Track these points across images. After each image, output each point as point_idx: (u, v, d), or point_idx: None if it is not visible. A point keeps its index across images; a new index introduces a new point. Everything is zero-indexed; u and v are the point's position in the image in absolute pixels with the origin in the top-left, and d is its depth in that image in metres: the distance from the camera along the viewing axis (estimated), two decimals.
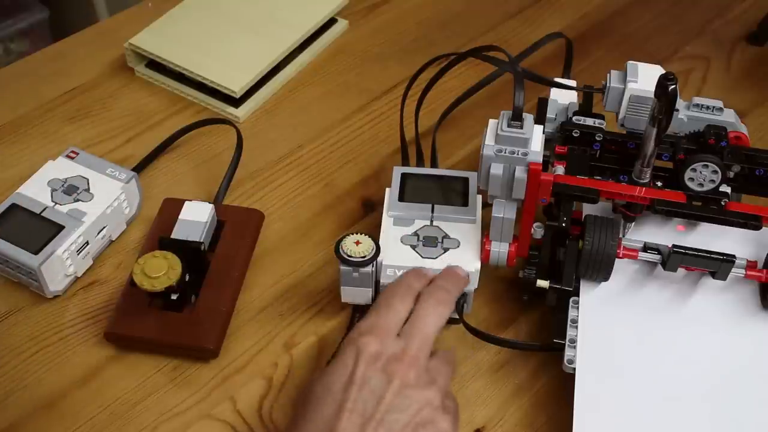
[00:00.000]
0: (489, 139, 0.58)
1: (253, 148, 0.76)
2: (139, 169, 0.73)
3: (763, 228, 0.59)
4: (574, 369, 0.58)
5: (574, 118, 0.63)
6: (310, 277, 0.67)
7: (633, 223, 0.63)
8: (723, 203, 0.59)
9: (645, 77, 0.60)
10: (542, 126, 0.59)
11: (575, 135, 0.62)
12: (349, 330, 0.63)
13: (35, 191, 0.66)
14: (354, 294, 0.61)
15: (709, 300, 0.62)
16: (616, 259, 0.59)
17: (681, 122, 0.62)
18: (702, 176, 0.59)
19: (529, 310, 0.65)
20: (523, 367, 0.62)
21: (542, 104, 0.66)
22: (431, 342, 0.53)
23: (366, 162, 0.76)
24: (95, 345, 0.62)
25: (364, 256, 0.58)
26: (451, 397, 0.53)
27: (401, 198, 0.65)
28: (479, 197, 0.65)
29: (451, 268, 0.59)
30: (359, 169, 0.75)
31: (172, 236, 0.63)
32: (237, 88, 0.78)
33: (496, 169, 0.58)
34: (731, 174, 0.60)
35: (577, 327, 0.59)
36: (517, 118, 0.57)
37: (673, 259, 0.59)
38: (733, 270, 0.60)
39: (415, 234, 0.63)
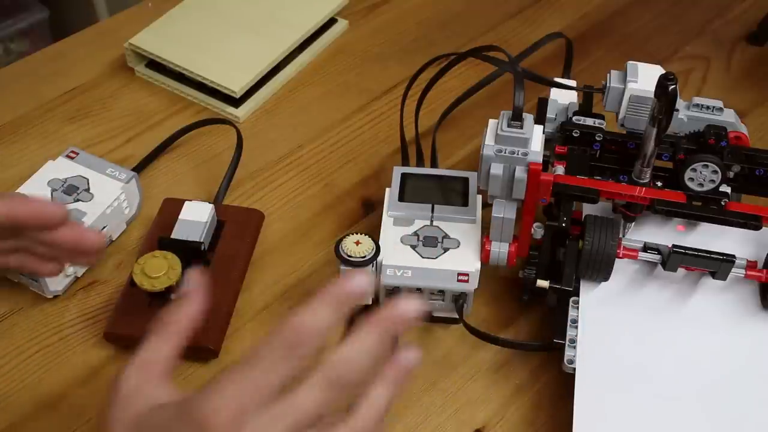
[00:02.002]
0: (489, 139, 0.58)
1: (253, 148, 0.76)
2: (139, 169, 0.73)
3: (763, 228, 0.59)
4: (574, 369, 0.58)
5: (574, 118, 0.63)
6: (310, 277, 0.67)
7: (633, 223, 0.63)
8: (723, 203, 0.59)
9: (645, 77, 0.60)
10: (542, 126, 0.59)
11: (575, 135, 0.62)
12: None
13: (35, 191, 0.66)
14: None
15: (709, 300, 0.62)
16: (616, 259, 0.59)
17: (681, 122, 0.62)
18: (702, 176, 0.59)
19: (529, 310, 0.65)
20: (523, 367, 0.62)
21: (542, 104, 0.66)
22: None
23: (366, 162, 0.76)
24: (95, 345, 0.62)
25: (364, 256, 0.58)
26: None
27: (401, 198, 0.65)
28: (479, 197, 0.65)
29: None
30: (359, 169, 0.75)
31: (172, 236, 0.63)
32: (237, 88, 0.78)
33: (496, 169, 0.58)
34: (731, 174, 0.60)
35: (577, 327, 0.59)
36: (517, 118, 0.57)
37: (673, 259, 0.59)
38: (733, 270, 0.60)
39: (415, 234, 0.63)
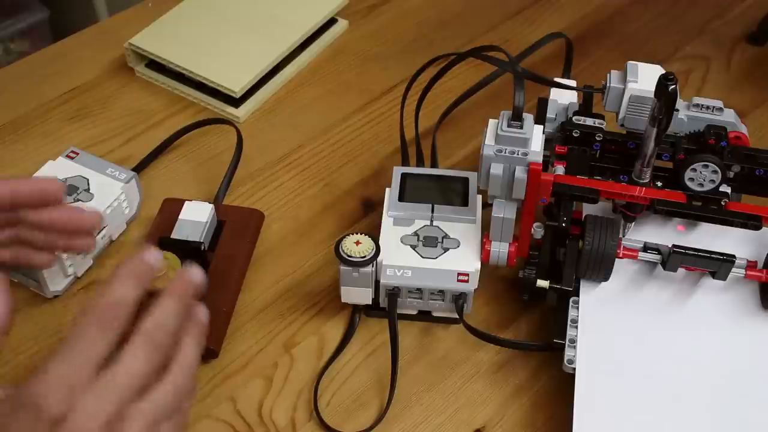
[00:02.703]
0: (489, 139, 0.58)
1: (253, 148, 0.76)
2: (139, 169, 0.73)
3: (763, 228, 0.59)
4: (574, 369, 0.58)
5: (574, 118, 0.63)
6: (310, 277, 0.67)
7: (633, 223, 0.63)
8: (723, 203, 0.59)
9: (645, 77, 0.60)
10: (542, 126, 0.59)
11: (575, 135, 0.62)
12: (349, 330, 0.63)
13: None
14: (354, 294, 0.61)
15: (709, 300, 0.62)
16: (616, 259, 0.59)
17: (681, 122, 0.62)
18: (702, 176, 0.59)
19: (529, 310, 0.65)
20: (523, 367, 0.62)
21: (542, 104, 0.66)
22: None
23: (366, 162, 0.76)
24: None
25: (364, 256, 0.58)
26: None
27: (401, 198, 0.65)
28: (479, 197, 0.65)
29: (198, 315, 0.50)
30: (359, 169, 0.75)
31: (172, 236, 0.63)
32: (237, 88, 0.78)
33: (496, 169, 0.58)
34: (731, 174, 0.61)
35: (577, 327, 0.59)
36: (517, 118, 0.57)
37: (673, 259, 0.59)
38: (733, 270, 0.60)
39: (415, 234, 0.63)
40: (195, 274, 0.50)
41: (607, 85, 0.61)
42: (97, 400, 0.42)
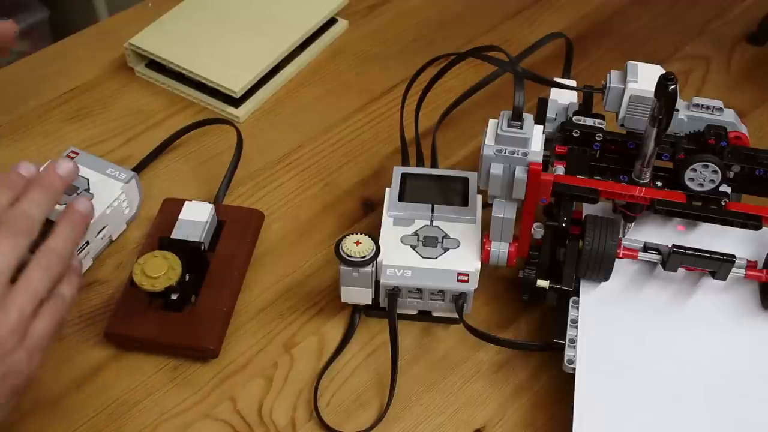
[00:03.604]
0: (489, 139, 0.58)
1: (253, 148, 0.76)
2: (139, 169, 0.73)
3: (763, 228, 0.59)
4: (574, 369, 0.58)
5: (574, 118, 0.63)
6: (310, 277, 0.67)
7: (633, 223, 0.63)
8: (723, 203, 0.59)
9: (645, 77, 0.60)
10: (542, 126, 0.59)
11: (575, 135, 0.62)
12: (349, 330, 0.63)
13: None
14: (354, 294, 0.61)
15: (709, 300, 0.62)
16: (616, 259, 0.59)
17: (681, 122, 0.62)
18: (702, 176, 0.59)
19: (529, 310, 0.65)
20: (523, 367, 0.62)
21: (542, 104, 0.66)
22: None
23: (366, 162, 0.76)
24: (95, 345, 0.62)
25: (364, 256, 0.58)
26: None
27: (401, 198, 0.65)
28: (479, 197, 0.65)
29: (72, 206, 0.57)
30: (359, 169, 0.75)
31: (172, 236, 0.63)
32: (237, 88, 0.78)
33: (496, 169, 0.58)
34: (731, 174, 0.60)
35: (577, 327, 0.59)
36: (517, 118, 0.57)
37: (673, 259, 0.59)
38: (733, 270, 0.60)
39: (415, 234, 0.63)
40: (63, 166, 0.57)
41: (607, 85, 0.61)
42: (12, 299, 0.49)
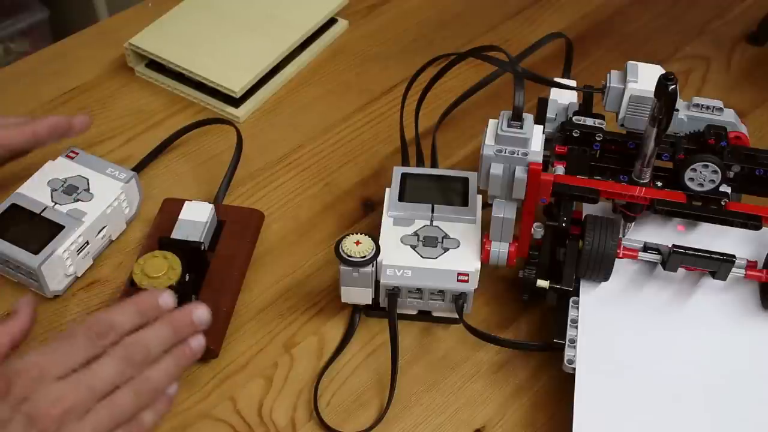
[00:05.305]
0: (489, 139, 0.58)
1: (253, 148, 0.76)
2: (139, 169, 0.73)
3: (763, 228, 0.59)
4: (574, 369, 0.58)
5: (574, 118, 0.63)
6: (310, 277, 0.67)
7: (633, 223, 0.63)
8: (723, 203, 0.59)
9: (645, 77, 0.60)
10: (542, 126, 0.59)
11: (575, 135, 0.62)
12: (349, 330, 0.63)
13: (35, 191, 0.66)
14: (354, 294, 0.61)
15: (709, 300, 0.62)
16: (616, 259, 0.59)
17: (681, 122, 0.62)
18: (702, 176, 0.59)
19: (529, 310, 0.65)
20: (523, 367, 0.62)
21: (542, 104, 0.66)
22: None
23: (366, 162, 0.76)
24: None
25: (364, 256, 0.58)
26: None
27: (401, 198, 0.65)
28: (479, 197, 0.65)
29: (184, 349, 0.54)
30: (359, 169, 0.75)
31: (172, 236, 0.63)
32: (237, 88, 0.78)
33: (496, 169, 0.58)
34: (731, 174, 0.61)
35: (577, 327, 0.59)
36: (517, 118, 0.57)
37: (673, 259, 0.59)
38: (733, 270, 0.60)
39: (415, 234, 0.63)
40: (200, 313, 0.54)
41: (607, 85, 0.61)
42: (60, 392, 0.47)
